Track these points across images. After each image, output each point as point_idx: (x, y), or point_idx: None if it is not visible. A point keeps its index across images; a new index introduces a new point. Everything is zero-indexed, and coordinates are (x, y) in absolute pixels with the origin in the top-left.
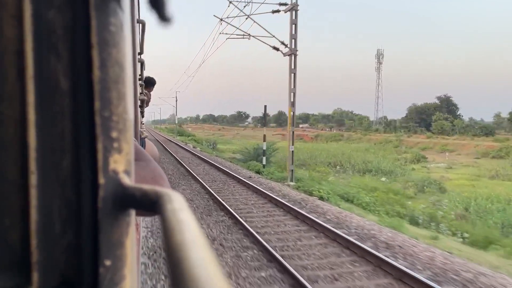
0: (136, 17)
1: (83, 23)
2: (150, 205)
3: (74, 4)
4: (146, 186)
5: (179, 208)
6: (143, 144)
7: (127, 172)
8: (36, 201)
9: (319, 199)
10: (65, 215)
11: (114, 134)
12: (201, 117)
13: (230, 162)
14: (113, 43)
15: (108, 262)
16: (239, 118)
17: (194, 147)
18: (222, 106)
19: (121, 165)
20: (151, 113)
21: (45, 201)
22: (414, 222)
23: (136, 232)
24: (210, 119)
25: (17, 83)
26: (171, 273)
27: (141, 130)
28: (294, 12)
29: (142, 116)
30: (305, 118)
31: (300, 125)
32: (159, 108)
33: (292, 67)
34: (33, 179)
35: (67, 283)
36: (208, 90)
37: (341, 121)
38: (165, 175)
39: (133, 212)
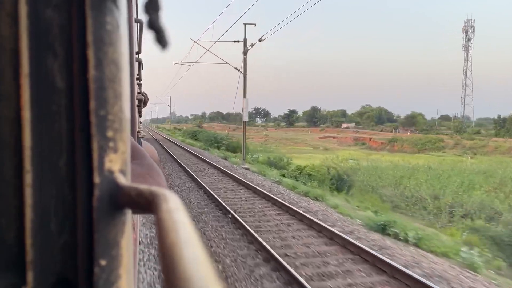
0: (134, 16)
1: (79, 22)
2: (146, 204)
3: (70, 3)
4: (142, 186)
5: (174, 208)
6: (140, 144)
7: (122, 172)
8: (31, 200)
9: None
10: (61, 215)
11: (109, 134)
12: (207, 115)
13: None
14: (109, 42)
15: (103, 262)
16: (258, 116)
17: None
18: (229, 103)
19: (117, 165)
20: (152, 107)
21: (41, 200)
22: None
23: (133, 231)
24: (219, 117)
25: (13, 82)
26: (165, 272)
27: (138, 129)
28: None
29: (140, 116)
30: (342, 115)
31: (344, 125)
32: (167, 96)
33: None
34: (29, 178)
35: (62, 283)
36: (211, 87)
37: (412, 119)
38: (161, 171)
39: (129, 212)
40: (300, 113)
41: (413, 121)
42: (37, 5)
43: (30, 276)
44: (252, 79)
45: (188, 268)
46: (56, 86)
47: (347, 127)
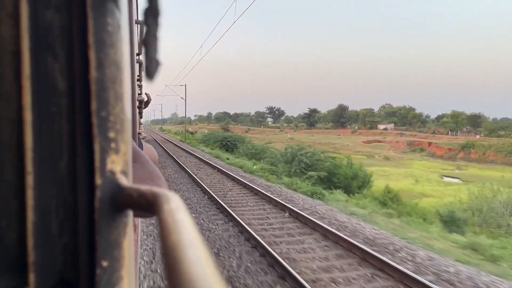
0: (135, 17)
1: (80, 23)
2: (147, 205)
3: (71, 4)
4: (143, 187)
5: (176, 208)
6: (140, 145)
7: (124, 173)
8: (33, 202)
9: None
10: (62, 216)
11: (111, 135)
12: (213, 116)
13: None
14: (110, 44)
15: (105, 263)
16: (272, 116)
17: None
18: (235, 103)
19: (118, 166)
20: (155, 104)
21: (42, 201)
22: None
23: (134, 233)
24: (226, 117)
25: (14, 83)
26: (168, 273)
27: (139, 130)
28: None
29: (140, 117)
30: (369, 114)
31: (381, 125)
32: (181, 85)
33: None
34: (30, 180)
35: (64, 284)
36: (215, 85)
37: (476, 119)
38: (162, 175)
39: (130, 213)
40: (323, 112)
41: (477, 121)
42: (38, 6)
43: (31, 277)
44: (261, 77)
45: (191, 269)
46: (57, 87)
47: (385, 129)
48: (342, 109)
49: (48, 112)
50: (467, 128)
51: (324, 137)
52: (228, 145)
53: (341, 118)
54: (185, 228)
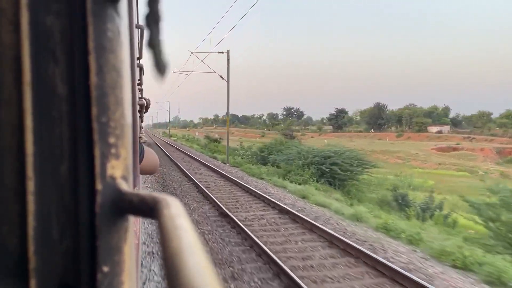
0: (135, 22)
1: (80, 29)
2: (148, 210)
3: (71, 10)
4: (144, 192)
5: (176, 213)
6: (142, 149)
7: (124, 178)
8: (33, 207)
9: None
10: (63, 221)
11: (111, 140)
12: (220, 118)
13: None
14: (110, 49)
15: (106, 268)
16: (290, 117)
17: None
18: (243, 105)
19: (119, 171)
20: (159, 109)
21: (43, 207)
22: None
23: (136, 237)
24: (235, 120)
25: (15, 88)
26: (168, 279)
27: (140, 135)
28: None
29: (141, 121)
30: (416, 114)
31: (432, 128)
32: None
33: None
34: (31, 185)
35: None
36: (217, 86)
37: None
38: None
39: (131, 218)
40: (350, 113)
41: None
42: (38, 12)
43: (32, 283)
44: (262, 78)
45: (191, 274)
46: (58, 93)
47: (440, 131)
48: (379, 108)
49: (49, 118)
50: None
51: (367, 142)
52: (334, 176)
53: (379, 119)
54: (185, 233)
